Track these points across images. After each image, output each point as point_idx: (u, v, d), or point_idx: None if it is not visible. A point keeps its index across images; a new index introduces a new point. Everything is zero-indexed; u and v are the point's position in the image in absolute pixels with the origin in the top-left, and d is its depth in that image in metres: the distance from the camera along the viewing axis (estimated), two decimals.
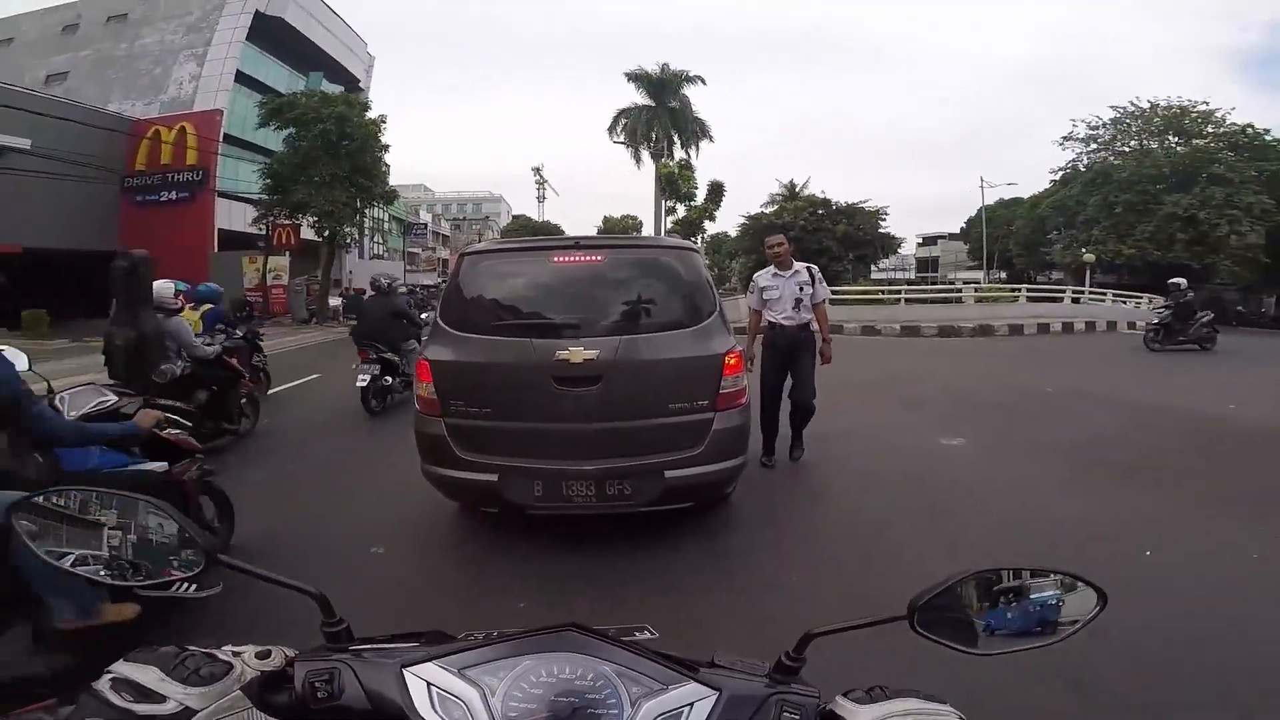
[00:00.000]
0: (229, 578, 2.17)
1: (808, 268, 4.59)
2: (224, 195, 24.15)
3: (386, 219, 39.53)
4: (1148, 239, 26.01)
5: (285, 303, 22.55)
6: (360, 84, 33.65)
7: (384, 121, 22.55)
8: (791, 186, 29.77)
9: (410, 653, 0.65)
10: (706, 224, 29.83)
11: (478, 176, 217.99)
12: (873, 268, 31.61)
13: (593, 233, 24.87)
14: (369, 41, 36.41)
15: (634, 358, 3.09)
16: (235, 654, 0.64)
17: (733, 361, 3.21)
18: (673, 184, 28.25)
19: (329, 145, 21.05)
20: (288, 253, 22.99)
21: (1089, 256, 26.07)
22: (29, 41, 28.49)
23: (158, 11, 27.45)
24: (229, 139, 24.71)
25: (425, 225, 52.16)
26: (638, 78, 29.79)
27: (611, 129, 31.12)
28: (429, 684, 0.62)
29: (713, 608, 2.72)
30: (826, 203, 26.98)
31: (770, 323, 4.60)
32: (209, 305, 6.66)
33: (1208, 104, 27.40)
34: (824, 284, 4.62)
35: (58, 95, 23.52)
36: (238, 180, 23.89)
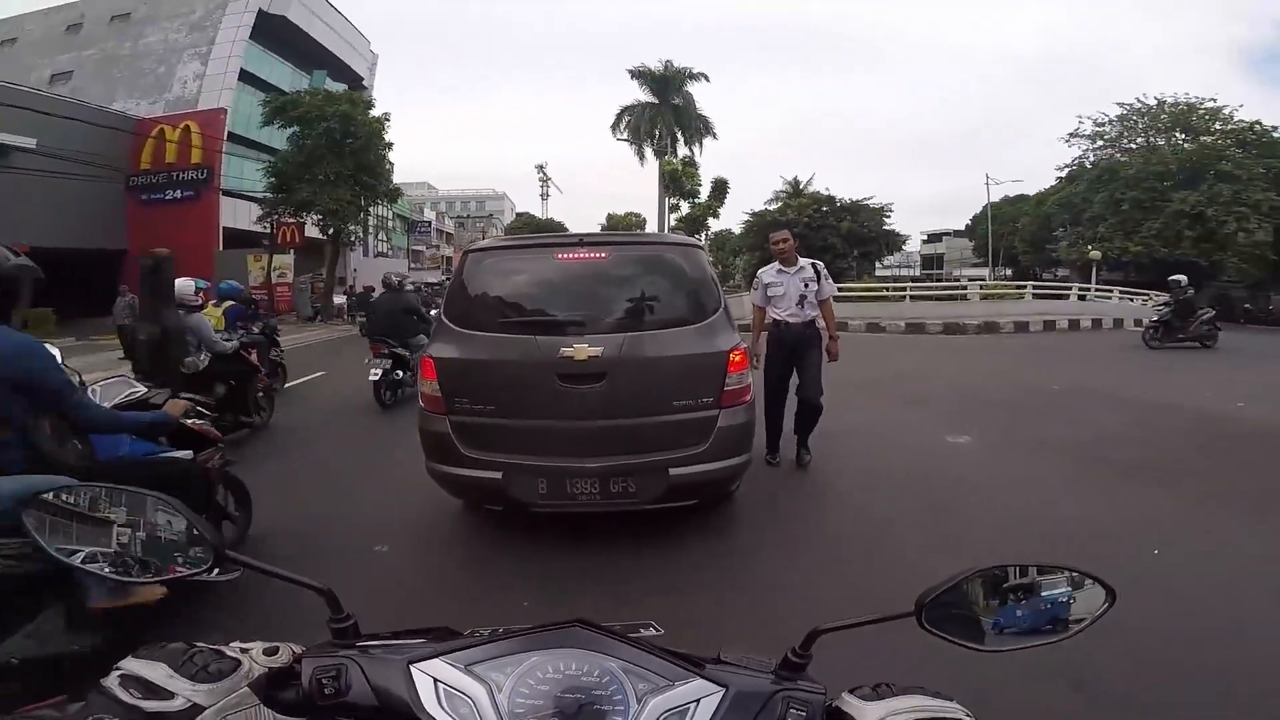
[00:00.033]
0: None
1: (813, 264, 4.54)
2: (228, 194, 24.26)
3: (390, 217, 39.66)
4: (1154, 236, 25.81)
5: (290, 301, 22.68)
6: (364, 82, 33.70)
7: (388, 119, 22.63)
8: (796, 183, 29.72)
9: (417, 649, 0.65)
10: (710, 221, 29.77)
11: (481, 175, 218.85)
12: (877, 265, 31.57)
13: (596, 230, 24.93)
14: (372, 40, 36.50)
15: (638, 355, 3.09)
16: (243, 650, 0.65)
17: (737, 358, 3.20)
18: (676, 181, 28.12)
19: (333, 143, 21.12)
20: (292, 251, 23.11)
21: (1095, 253, 25.84)
22: (33, 41, 28.61)
23: (161, 10, 27.51)
24: (233, 137, 24.79)
25: (429, 223, 52.17)
26: (641, 74, 29.65)
27: (615, 126, 31.03)
28: (436, 680, 0.62)
29: (717, 606, 2.71)
30: (831, 200, 26.95)
31: (775, 320, 4.51)
32: (230, 302, 6.86)
33: (1215, 100, 27.17)
34: (829, 280, 4.57)
35: (62, 95, 23.63)
36: (242, 179, 23.96)
